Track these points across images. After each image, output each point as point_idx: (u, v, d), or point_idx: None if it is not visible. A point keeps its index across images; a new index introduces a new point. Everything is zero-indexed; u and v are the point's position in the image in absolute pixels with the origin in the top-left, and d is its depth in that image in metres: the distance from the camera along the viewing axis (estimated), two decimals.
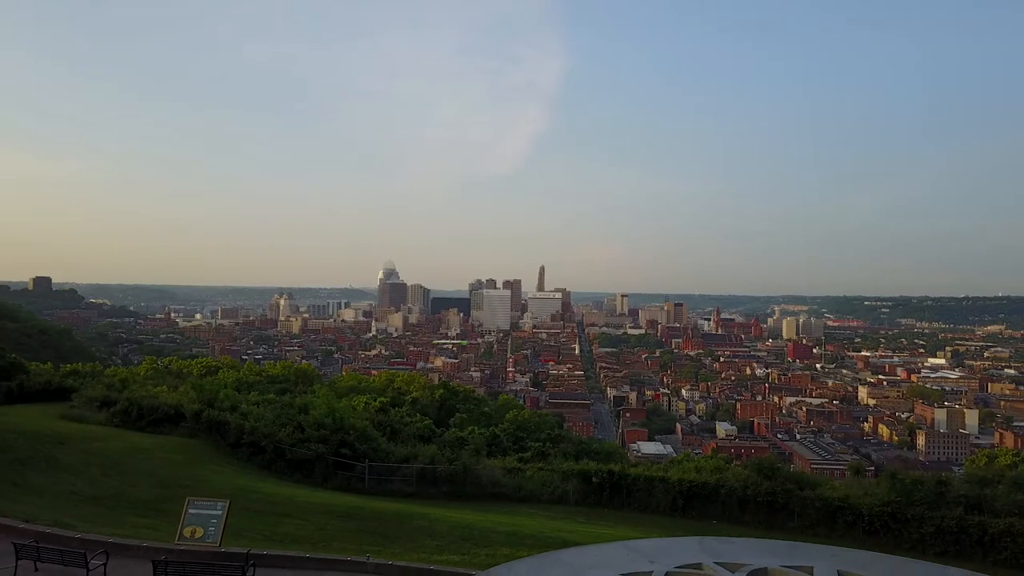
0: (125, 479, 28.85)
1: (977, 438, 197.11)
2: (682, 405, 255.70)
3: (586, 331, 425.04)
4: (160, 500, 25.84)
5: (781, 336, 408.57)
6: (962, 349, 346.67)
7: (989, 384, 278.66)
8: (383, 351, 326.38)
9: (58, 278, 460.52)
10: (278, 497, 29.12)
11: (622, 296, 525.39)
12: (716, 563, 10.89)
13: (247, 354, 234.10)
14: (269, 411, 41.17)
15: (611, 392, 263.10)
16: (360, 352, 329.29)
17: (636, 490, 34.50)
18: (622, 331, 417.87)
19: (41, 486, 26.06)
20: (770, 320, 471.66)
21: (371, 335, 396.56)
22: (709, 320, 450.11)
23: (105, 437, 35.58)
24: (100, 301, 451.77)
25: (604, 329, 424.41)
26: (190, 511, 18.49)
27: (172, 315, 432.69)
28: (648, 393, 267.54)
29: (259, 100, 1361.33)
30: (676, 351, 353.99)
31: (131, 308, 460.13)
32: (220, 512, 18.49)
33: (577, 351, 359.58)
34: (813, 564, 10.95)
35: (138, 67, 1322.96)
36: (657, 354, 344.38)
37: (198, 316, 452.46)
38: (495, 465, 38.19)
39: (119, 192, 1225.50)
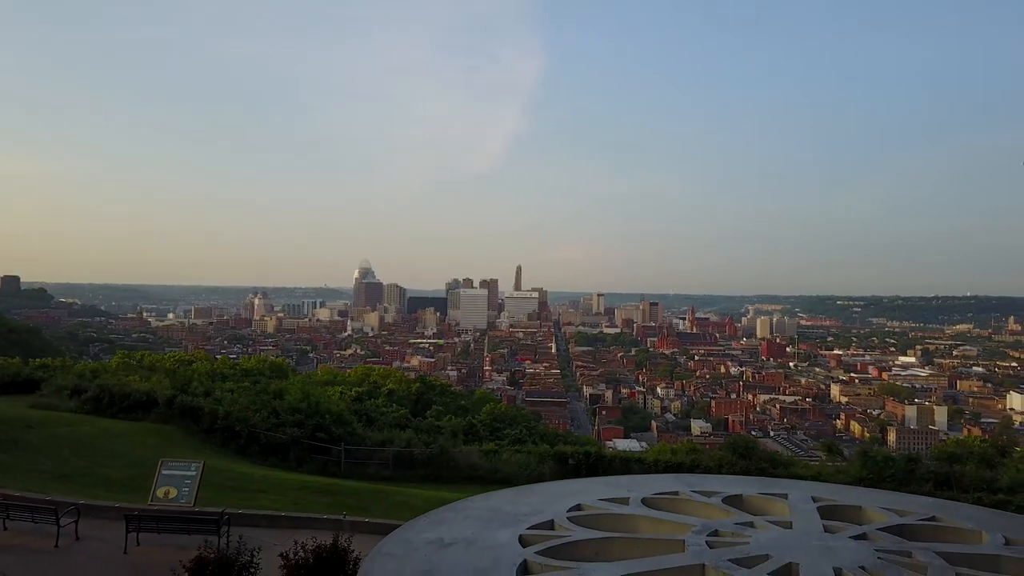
0: (96, 460, 28.47)
1: (946, 434, 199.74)
2: (657, 403, 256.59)
3: (563, 330, 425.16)
4: (132, 479, 25.48)
5: (755, 335, 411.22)
6: (932, 348, 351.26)
7: (958, 381, 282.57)
8: (359, 350, 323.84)
9: (27, 277, 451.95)
10: (253, 475, 28.94)
11: (598, 295, 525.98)
12: (692, 491, 11.05)
13: (221, 352, 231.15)
14: (243, 397, 40.78)
15: (587, 390, 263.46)
16: (336, 351, 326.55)
17: (612, 471, 34.61)
18: (598, 330, 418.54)
19: (9, 465, 25.65)
20: (744, 319, 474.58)
21: (347, 334, 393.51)
22: (684, 319, 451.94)
23: (75, 423, 35.09)
24: (70, 300, 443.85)
25: (580, 328, 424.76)
26: (163, 472, 18.32)
27: (144, 314, 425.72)
28: (624, 391, 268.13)
29: (233, 98, 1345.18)
30: (651, 350, 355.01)
31: (102, 307, 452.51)
32: (194, 473, 18.33)
33: (554, 350, 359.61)
34: (787, 492, 11.15)
35: (112, 63, 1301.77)
36: (633, 353, 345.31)
37: (171, 315, 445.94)
38: (472, 449, 38.17)
39: (90, 190, 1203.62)
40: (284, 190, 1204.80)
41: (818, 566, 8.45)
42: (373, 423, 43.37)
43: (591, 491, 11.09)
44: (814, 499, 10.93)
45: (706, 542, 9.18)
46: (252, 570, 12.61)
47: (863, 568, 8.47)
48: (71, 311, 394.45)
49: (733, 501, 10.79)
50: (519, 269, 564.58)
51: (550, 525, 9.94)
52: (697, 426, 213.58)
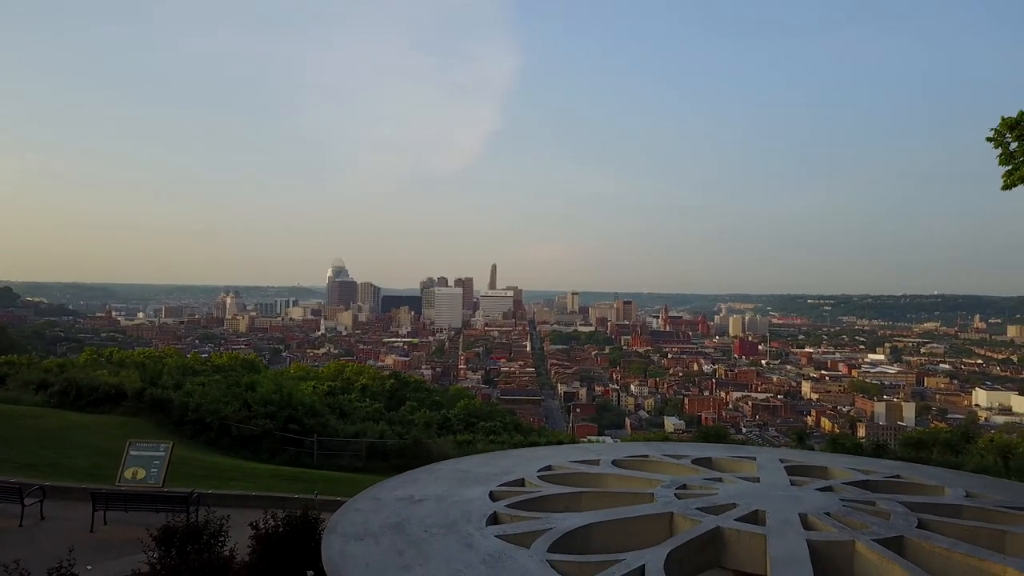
0: (63, 451, 28.09)
1: (914, 429, 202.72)
2: (631, 400, 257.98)
3: (537, 329, 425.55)
4: (99, 467, 25.16)
5: (728, 333, 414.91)
6: (900, 345, 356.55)
7: (925, 378, 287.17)
8: (332, 349, 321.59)
9: None
10: (224, 465, 28.75)
11: (573, 294, 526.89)
12: (663, 455, 11.19)
13: (193, 350, 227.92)
14: (215, 389, 40.37)
15: (562, 388, 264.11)
16: (309, 350, 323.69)
17: None
18: (573, 328, 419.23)
19: None
20: (717, 318, 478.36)
21: (320, 333, 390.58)
22: (657, 317, 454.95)
23: (41, 415, 34.59)
24: (37, 299, 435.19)
25: (555, 327, 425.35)
26: (131, 452, 18.05)
27: (113, 313, 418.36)
28: (598, 389, 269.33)
29: (204, 96, 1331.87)
30: (625, 348, 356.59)
31: (70, 307, 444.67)
32: (163, 453, 18.09)
33: (528, 348, 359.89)
34: (755, 456, 11.34)
35: (80, 60, 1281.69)
36: (607, 351, 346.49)
37: (141, 315, 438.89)
38: (446, 440, 38.17)
39: (57, 188, 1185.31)
40: (256, 188, 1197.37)
41: (784, 512, 8.62)
42: (346, 416, 43.22)
43: (562, 455, 11.22)
44: (781, 460, 11.17)
45: (675, 494, 9.33)
46: (222, 538, 12.52)
47: (828, 514, 8.66)
48: (38, 310, 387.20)
49: (702, 462, 11.00)
50: (494, 268, 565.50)
51: (520, 483, 10.10)
52: (670, 423, 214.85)
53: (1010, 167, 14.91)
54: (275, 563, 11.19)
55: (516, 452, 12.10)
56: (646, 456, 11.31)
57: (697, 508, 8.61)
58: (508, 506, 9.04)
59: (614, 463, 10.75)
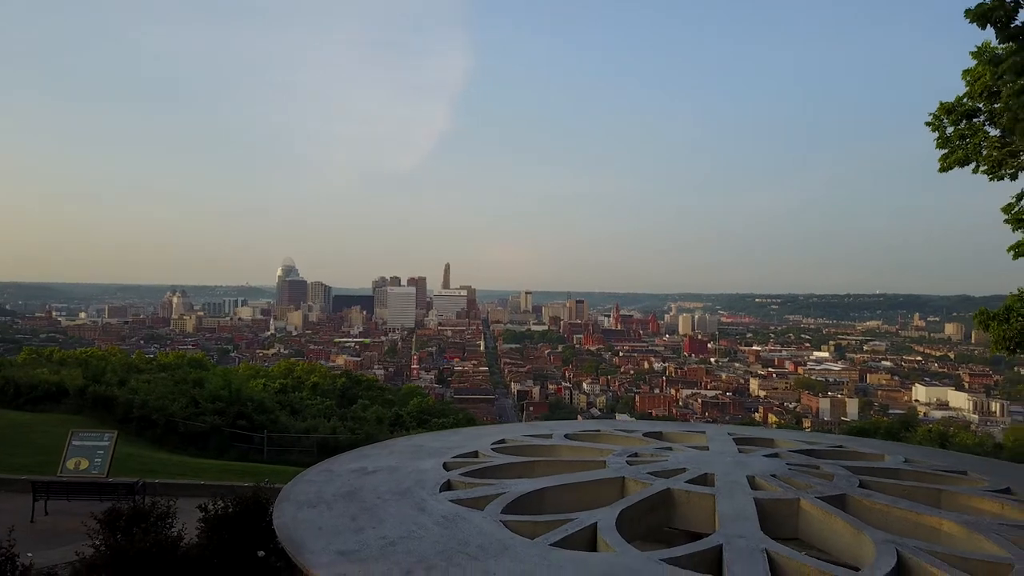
0: (1, 449, 27.22)
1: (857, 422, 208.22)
2: (583, 398, 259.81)
3: (491, 328, 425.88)
4: (41, 464, 24.41)
5: (678, 331, 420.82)
6: (844, 343, 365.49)
7: (868, 375, 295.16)
8: (282, 349, 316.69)
9: None
10: (171, 461, 28.16)
11: (526, 293, 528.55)
12: (615, 430, 11.36)
13: (138, 350, 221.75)
14: (161, 386, 39.57)
15: (515, 387, 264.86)
16: (258, 351, 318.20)
17: None
18: (526, 328, 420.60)
19: None
20: (667, 316, 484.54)
21: (269, 333, 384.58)
22: (609, 316, 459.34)
23: None
24: None
25: (509, 326, 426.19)
26: (74, 443, 17.54)
27: (54, 314, 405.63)
28: (551, 387, 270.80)
29: (150, 91, 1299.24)
30: (578, 346, 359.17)
31: (7, 306, 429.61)
32: (107, 443, 17.62)
33: (482, 348, 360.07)
34: (704, 430, 11.58)
35: (13, 53, 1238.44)
36: (559, 349, 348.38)
37: (83, 314, 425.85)
38: (399, 437, 37.92)
39: None
40: (204, 186, 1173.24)
41: (732, 474, 8.85)
42: (297, 413, 42.72)
43: (515, 431, 11.32)
44: (730, 434, 11.45)
45: (626, 461, 9.50)
46: (169, 520, 12.27)
47: (774, 476, 8.91)
48: None
49: (654, 435, 11.22)
50: (447, 267, 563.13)
51: (474, 455, 10.19)
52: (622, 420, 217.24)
53: (946, 151, 15.60)
54: (225, 544, 11.00)
55: (468, 429, 12.22)
56: (598, 431, 11.49)
57: (648, 472, 8.77)
58: (462, 474, 9.10)
59: (567, 436, 10.91)
